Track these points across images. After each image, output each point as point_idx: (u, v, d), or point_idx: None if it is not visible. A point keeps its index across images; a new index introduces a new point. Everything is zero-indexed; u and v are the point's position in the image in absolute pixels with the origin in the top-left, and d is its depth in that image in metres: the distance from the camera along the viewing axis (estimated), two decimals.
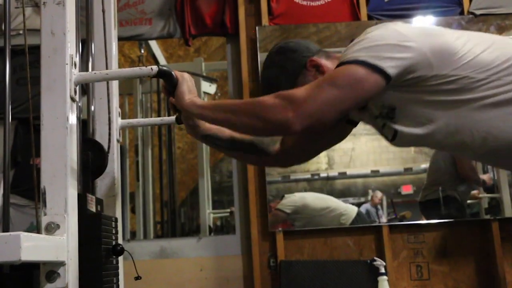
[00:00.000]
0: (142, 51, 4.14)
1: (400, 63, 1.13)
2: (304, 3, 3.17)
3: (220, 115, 1.20)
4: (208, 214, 3.88)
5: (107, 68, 1.56)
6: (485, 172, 3.10)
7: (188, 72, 1.29)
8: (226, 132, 1.43)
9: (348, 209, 3.03)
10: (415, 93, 1.17)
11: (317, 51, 1.34)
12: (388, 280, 2.53)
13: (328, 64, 1.31)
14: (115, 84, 1.61)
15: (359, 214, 3.02)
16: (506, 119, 1.14)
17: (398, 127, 1.22)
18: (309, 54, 1.31)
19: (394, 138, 1.26)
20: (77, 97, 1.15)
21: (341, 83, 1.12)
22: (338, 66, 1.16)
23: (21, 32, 2.71)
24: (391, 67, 1.12)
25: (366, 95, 1.14)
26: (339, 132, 1.46)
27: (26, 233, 0.82)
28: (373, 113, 1.26)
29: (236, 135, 1.46)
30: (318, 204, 3.07)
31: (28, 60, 1.35)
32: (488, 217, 2.96)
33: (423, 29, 1.21)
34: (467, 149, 1.24)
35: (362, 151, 3.15)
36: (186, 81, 1.25)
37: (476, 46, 1.17)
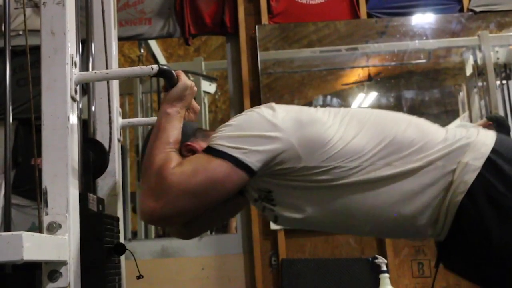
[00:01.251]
0: (142, 51, 4.14)
1: (265, 156, 1.09)
2: (304, 1, 3.17)
3: (148, 148, 1.19)
4: None
5: (107, 68, 1.56)
6: None
7: (188, 72, 1.29)
8: None
9: None
10: (287, 181, 1.13)
11: (193, 132, 1.27)
12: (389, 278, 2.52)
13: (204, 146, 1.22)
14: (115, 84, 1.61)
15: None
16: (383, 198, 1.10)
17: (277, 210, 1.18)
18: (184, 138, 1.24)
19: (277, 220, 1.23)
20: (77, 97, 1.15)
21: (202, 188, 1.09)
22: (205, 149, 1.13)
23: (20, 32, 2.72)
24: (256, 161, 1.09)
25: (230, 191, 1.12)
26: (235, 205, 1.39)
27: (28, 233, 0.82)
28: (253, 196, 1.21)
29: None
30: None
31: (29, 61, 1.35)
32: None
33: (294, 118, 1.14)
34: (352, 229, 1.24)
35: None
36: (184, 87, 1.23)
37: (347, 132, 1.12)
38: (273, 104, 1.18)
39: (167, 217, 1.11)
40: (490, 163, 1.08)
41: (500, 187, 1.06)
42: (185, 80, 1.25)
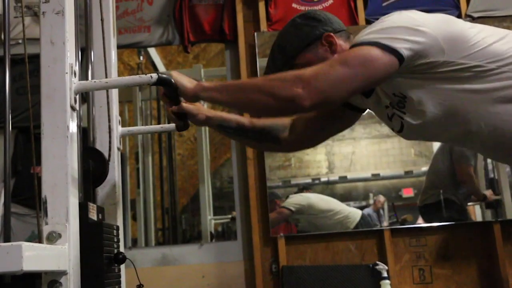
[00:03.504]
0: (141, 58, 4.14)
1: (413, 46, 1.13)
2: (302, 8, 3.18)
3: (228, 96, 1.20)
4: (209, 220, 3.87)
5: (106, 76, 1.56)
6: (491, 182, 3.08)
7: None
8: (233, 121, 1.46)
9: (352, 212, 3.04)
10: (425, 80, 1.16)
11: (339, 29, 1.33)
12: (390, 284, 2.52)
13: (343, 45, 1.30)
14: (114, 92, 1.61)
15: (363, 217, 3.02)
16: None
17: (406, 117, 1.22)
18: (329, 29, 1.30)
19: (402, 130, 1.26)
20: (77, 106, 1.15)
21: (353, 62, 1.13)
22: (351, 48, 1.18)
23: (20, 41, 2.72)
24: (404, 49, 1.12)
25: (378, 74, 1.14)
26: (347, 119, 1.46)
27: (27, 243, 0.82)
28: (384, 102, 1.26)
29: (246, 123, 1.47)
30: (322, 206, 3.08)
31: (28, 69, 1.35)
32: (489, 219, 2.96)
33: (436, 16, 1.20)
34: (474, 141, 1.23)
35: (362, 155, 3.15)
36: (180, 76, 1.25)
37: (489, 37, 1.17)
38: (411, 10, 1.23)
39: (315, 103, 1.13)
40: None
41: None
42: (173, 75, 1.25)
